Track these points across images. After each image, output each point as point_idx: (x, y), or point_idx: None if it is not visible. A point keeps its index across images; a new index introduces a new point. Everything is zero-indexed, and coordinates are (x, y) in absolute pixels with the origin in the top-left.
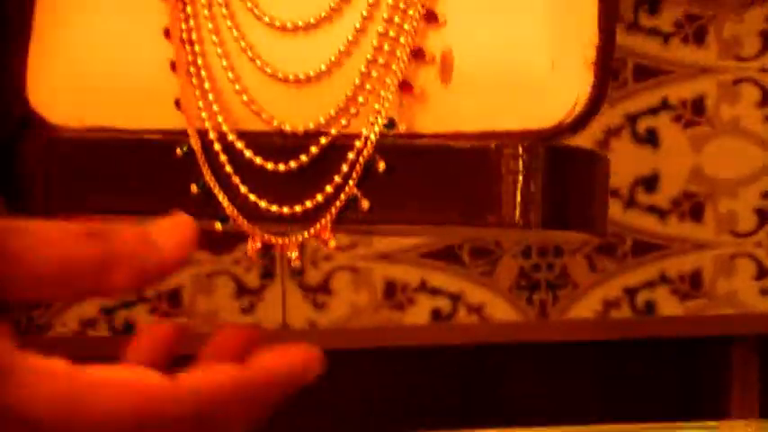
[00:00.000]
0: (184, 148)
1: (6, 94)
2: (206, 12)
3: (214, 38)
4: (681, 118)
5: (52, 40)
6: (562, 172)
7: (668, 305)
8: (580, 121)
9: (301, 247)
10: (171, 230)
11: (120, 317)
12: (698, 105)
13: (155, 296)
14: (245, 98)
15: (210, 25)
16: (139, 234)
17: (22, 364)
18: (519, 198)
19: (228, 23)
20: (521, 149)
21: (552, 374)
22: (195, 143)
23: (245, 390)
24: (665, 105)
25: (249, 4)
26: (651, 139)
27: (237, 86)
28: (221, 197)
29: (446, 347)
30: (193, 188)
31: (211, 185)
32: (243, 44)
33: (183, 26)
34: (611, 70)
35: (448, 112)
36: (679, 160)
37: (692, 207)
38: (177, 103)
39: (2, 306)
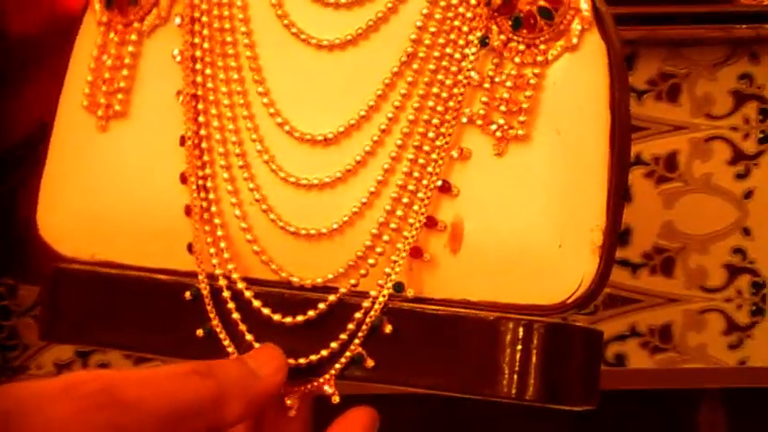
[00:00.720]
0: (193, 292)
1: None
2: (222, 161)
3: (229, 186)
4: (653, 173)
5: (67, 172)
6: (560, 349)
7: (638, 358)
8: (583, 301)
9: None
10: (265, 359)
11: (95, 359)
12: (670, 162)
13: None
14: (255, 248)
15: (226, 174)
16: (240, 365)
17: None
18: (516, 373)
19: (245, 174)
20: (521, 325)
21: (523, 421)
22: (204, 288)
23: None
24: (638, 161)
25: (266, 157)
26: (624, 194)
27: (249, 236)
28: (226, 343)
29: None
30: (199, 332)
31: (217, 331)
32: (257, 195)
33: (200, 173)
34: (615, 252)
35: (455, 280)
36: (651, 215)
37: (663, 261)
38: (189, 247)
39: None
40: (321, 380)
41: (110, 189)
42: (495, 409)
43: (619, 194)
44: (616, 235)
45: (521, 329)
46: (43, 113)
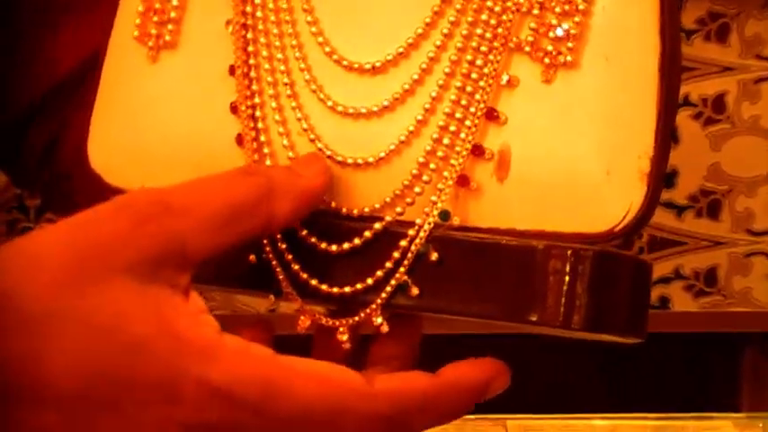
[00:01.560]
0: None
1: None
2: (271, 90)
3: (277, 116)
4: (701, 115)
5: (118, 103)
6: (608, 277)
7: (682, 301)
8: (631, 230)
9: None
10: (308, 162)
11: None
12: (718, 103)
13: None
14: None
15: (274, 104)
16: (285, 167)
17: (227, 345)
18: (563, 300)
19: (293, 104)
20: (569, 252)
21: (562, 365)
22: None
23: (435, 399)
24: (686, 102)
25: (314, 86)
26: (671, 135)
27: None
28: (278, 271)
29: None
30: (252, 258)
31: (270, 258)
32: (305, 125)
33: (249, 102)
34: (663, 180)
35: (501, 209)
36: (697, 157)
37: (709, 204)
38: None
39: (185, 262)
40: (368, 310)
41: (160, 120)
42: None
43: (667, 122)
44: (664, 163)
45: (569, 256)
46: (85, 49)
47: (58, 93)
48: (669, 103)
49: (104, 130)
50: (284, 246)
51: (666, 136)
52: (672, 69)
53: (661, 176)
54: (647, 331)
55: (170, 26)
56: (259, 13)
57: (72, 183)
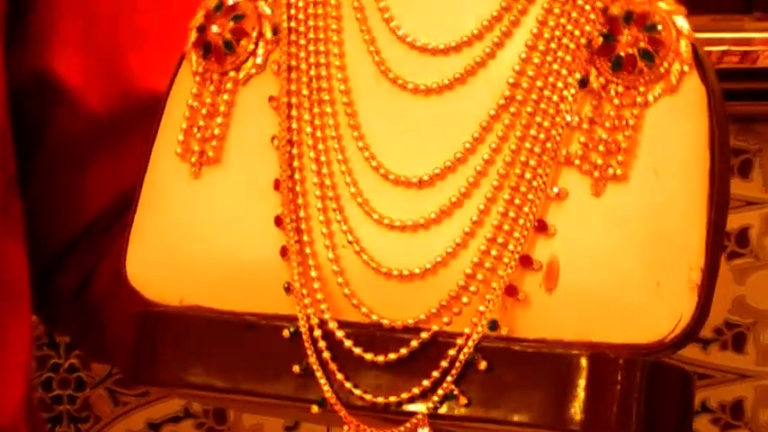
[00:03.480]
0: (292, 330)
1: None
2: (318, 204)
3: (323, 229)
4: (724, 249)
5: (158, 219)
6: (659, 387)
7: None
8: (681, 340)
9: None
10: None
11: (167, 430)
12: (741, 237)
13: (201, 412)
14: (346, 291)
15: (321, 217)
16: None
17: None
18: (615, 410)
19: (338, 216)
20: (621, 362)
21: None
22: (303, 326)
23: None
24: None
25: (360, 199)
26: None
27: (340, 279)
28: (323, 381)
29: None
30: (296, 368)
31: (314, 368)
32: (350, 237)
33: (294, 215)
34: (713, 291)
35: (549, 319)
36: (722, 291)
37: (734, 337)
38: (287, 288)
39: None
40: (414, 420)
41: (202, 234)
42: None
43: (718, 233)
44: (715, 274)
45: (621, 366)
46: (112, 189)
47: (87, 234)
48: (719, 214)
49: (144, 246)
50: (328, 355)
51: (717, 247)
52: (721, 181)
53: (712, 287)
54: None
55: (213, 142)
56: (308, 129)
57: (103, 316)
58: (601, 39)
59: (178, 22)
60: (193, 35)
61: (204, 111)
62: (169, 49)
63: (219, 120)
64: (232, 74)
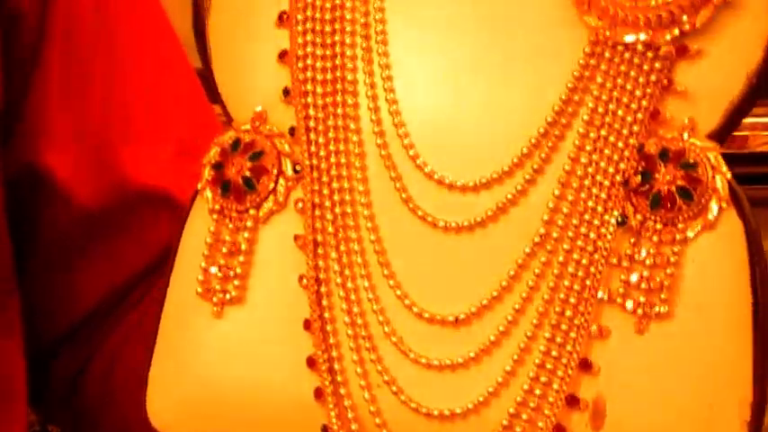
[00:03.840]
0: None
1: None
2: (350, 343)
3: (358, 369)
4: None
5: (180, 358)
6: None
7: None
8: None
9: None
10: None
11: None
12: None
13: None
14: None
15: (355, 356)
16: None
17: None
18: None
19: (372, 356)
20: None
21: None
22: None
23: None
24: None
25: (394, 339)
26: None
27: (378, 420)
28: None
29: None
30: None
31: None
32: (386, 377)
33: (326, 356)
34: (763, 425)
35: None
36: None
37: None
38: (324, 429)
39: None
40: None
41: (227, 375)
42: None
43: (764, 367)
44: (764, 408)
45: None
46: (105, 284)
47: (80, 329)
48: (764, 347)
49: (167, 386)
50: None
51: (764, 380)
52: (764, 316)
53: (761, 423)
54: None
55: (235, 282)
56: (336, 267)
57: (96, 414)
58: (639, 177)
59: (169, 116)
60: (208, 172)
61: (224, 249)
62: (160, 143)
63: (241, 258)
64: (252, 212)
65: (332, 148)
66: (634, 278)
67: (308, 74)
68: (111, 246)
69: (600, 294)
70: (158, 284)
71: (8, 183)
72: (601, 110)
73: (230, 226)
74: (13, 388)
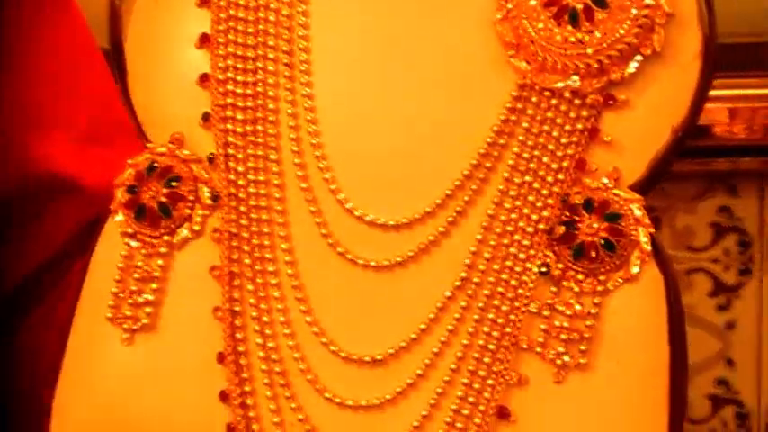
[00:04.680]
0: None
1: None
2: (265, 379)
3: (272, 405)
4: None
5: (86, 384)
6: None
7: None
8: None
9: None
10: None
11: None
12: None
13: None
14: None
15: (269, 392)
16: None
17: None
18: None
19: (287, 393)
20: None
21: None
22: None
23: None
24: None
25: (309, 377)
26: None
27: None
28: None
29: None
30: None
31: None
32: (300, 415)
33: (239, 390)
34: None
35: None
36: None
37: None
38: None
39: None
40: None
41: (136, 404)
42: None
43: (679, 421)
44: None
45: None
46: (21, 273)
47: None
48: (679, 403)
49: (69, 411)
50: None
51: (679, 428)
52: (681, 370)
53: None
54: None
55: (147, 309)
56: (252, 300)
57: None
58: (562, 227)
59: (74, 102)
60: (122, 194)
61: (137, 275)
62: (65, 130)
63: (154, 285)
64: (166, 238)
65: (251, 177)
66: (554, 328)
67: (229, 99)
68: (12, 234)
69: (521, 343)
70: (66, 280)
71: None
72: (526, 155)
73: (143, 251)
74: None
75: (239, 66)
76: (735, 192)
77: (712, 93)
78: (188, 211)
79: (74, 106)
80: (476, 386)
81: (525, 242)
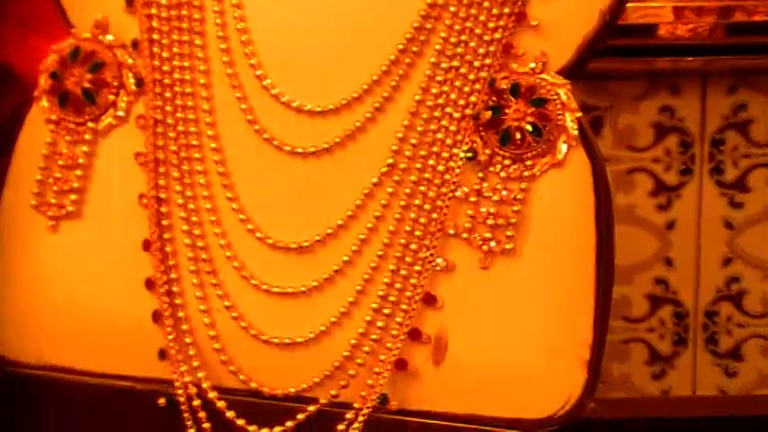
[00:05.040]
0: (168, 399)
1: None
2: (190, 266)
3: (197, 292)
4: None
5: (11, 271)
6: None
7: None
8: (570, 416)
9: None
10: None
11: None
12: None
13: None
14: (223, 357)
15: (195, 279)
16: None
17: None
18: None
19: (213, 280)
20: None
21: None
22: (181, 395)
23: None
24: None
25: (236, 264)
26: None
27: (217, 345)
28: None
29: None
30: None
31: None
32: (227, 302)
33: (165, 278)
34: (601, 366)
35: (438, 393)
36: None
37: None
38: (161, 354)
39: None
40: None
41: (62, 291)
42: None
43: (605, 309)
44: (603, 349)
45: None
46: None
47: None
48: (606, 289)
49: (3, 298)
50: (209, 426)
51: (604, 324)
52: (607, 259)
53: (599, 363)
54: None
55: (72, 196)
56: (177, 187)
57: None
58: (489, 112)
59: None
60: (45, 80)
61: (61, 162)
62: (12, 19)
63: (79, 172)
64: (91, 125)
65: (176, 63)
66: (480, 214)
67: None
68: None
69: (447, 229)
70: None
71: None
72: (453, 39)
73: (67, 138)
74: None
75: None
76: (677, 91)
77: None
78: (112, 98)
79: None
80: (402, 272)
81: (452, 128)
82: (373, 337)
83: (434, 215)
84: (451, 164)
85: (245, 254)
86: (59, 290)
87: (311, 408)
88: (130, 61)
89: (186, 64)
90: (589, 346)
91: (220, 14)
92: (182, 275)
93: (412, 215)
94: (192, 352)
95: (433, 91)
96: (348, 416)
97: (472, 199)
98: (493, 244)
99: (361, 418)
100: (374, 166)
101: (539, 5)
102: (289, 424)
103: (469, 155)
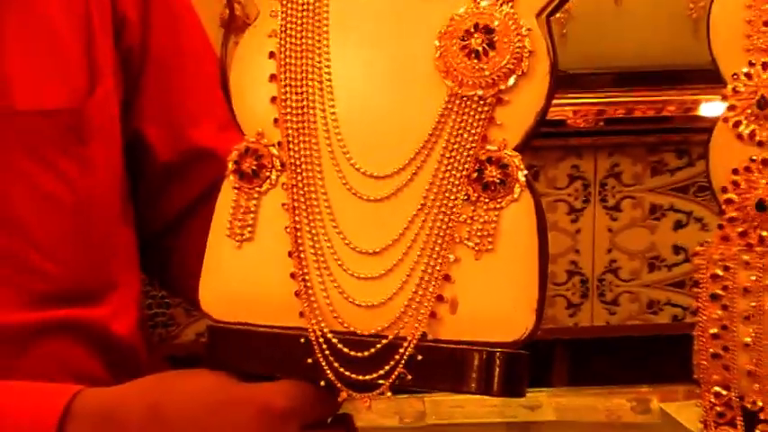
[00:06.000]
0: (306, 338)
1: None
2: (316, 265)
3: (320, 280)
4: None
5: (216, 271)
6: (515, 365)
7: None
8: (527, 339)
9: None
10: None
11: None
12: None
13: None
14: (334, 314)
15: (318, 273)
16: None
17: None
18: (496, 379)
19: (327, 272)
20: (498, 353)
21: None
22: (312, 336)
23: None
24: None
25: (339, 263)
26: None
27: (331, 308)
28: (325, 367)
29: None
30: (308, 360)
31: (320, 359)
32: (336, 285)
33: (301, 272)
34: (543, 314)
35: (455, 329)
36: None
37: None
38: (300, 314)
39: None
40: (381, 389)
41: (245, 282)
42: None
43: (544, 279)
44: (543, 302)
45: (497, 357)
46: (178, 207)
47: (165, 231)
48: (544, 269)
49: (210, 287)
50: (327, 352)
51: (543, 289)
52: (543, 252)
53: (542, 310)
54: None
55: (248, 229)
56: (306, 221)
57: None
58: (476, 173)
59: (214, 103)
60: (232, 165)
61: (241, 210)
62: (211, 120)
63: (251, 215)
64: (257, 189)
65: (302, 153)
66: (473, 229)
67: (287, 110)
68: (181, 182)
69: (455, 238)
70: (208, 208)
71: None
72: (454, 134)
73: (244, 197)
74: (132, 255)
75: (292, 92)
76: (580, 156)
77: (562, 100)
78: (268, 174)
79: (214, 105)
80: (431, 263)
81: (456, 182)
82: (416, 300)
83: (448, 231)
84: (456, 202)
85: (345, 257)
86: (245, 280)
87: (384, 341)
88: (277, 153)
89: (307, 153)
90: (536, 300)
91: (324, 124)
92: (310, 271)
93: (435, 232)
94: (317, 312)
95: (444, 163)
96: (405, 344)
97: (468, 221)
98: (481, 246)
99: (411, 346)
100: (413, 207)
101: (501, 113)
102: (372, 350)
103: (465, 197)
